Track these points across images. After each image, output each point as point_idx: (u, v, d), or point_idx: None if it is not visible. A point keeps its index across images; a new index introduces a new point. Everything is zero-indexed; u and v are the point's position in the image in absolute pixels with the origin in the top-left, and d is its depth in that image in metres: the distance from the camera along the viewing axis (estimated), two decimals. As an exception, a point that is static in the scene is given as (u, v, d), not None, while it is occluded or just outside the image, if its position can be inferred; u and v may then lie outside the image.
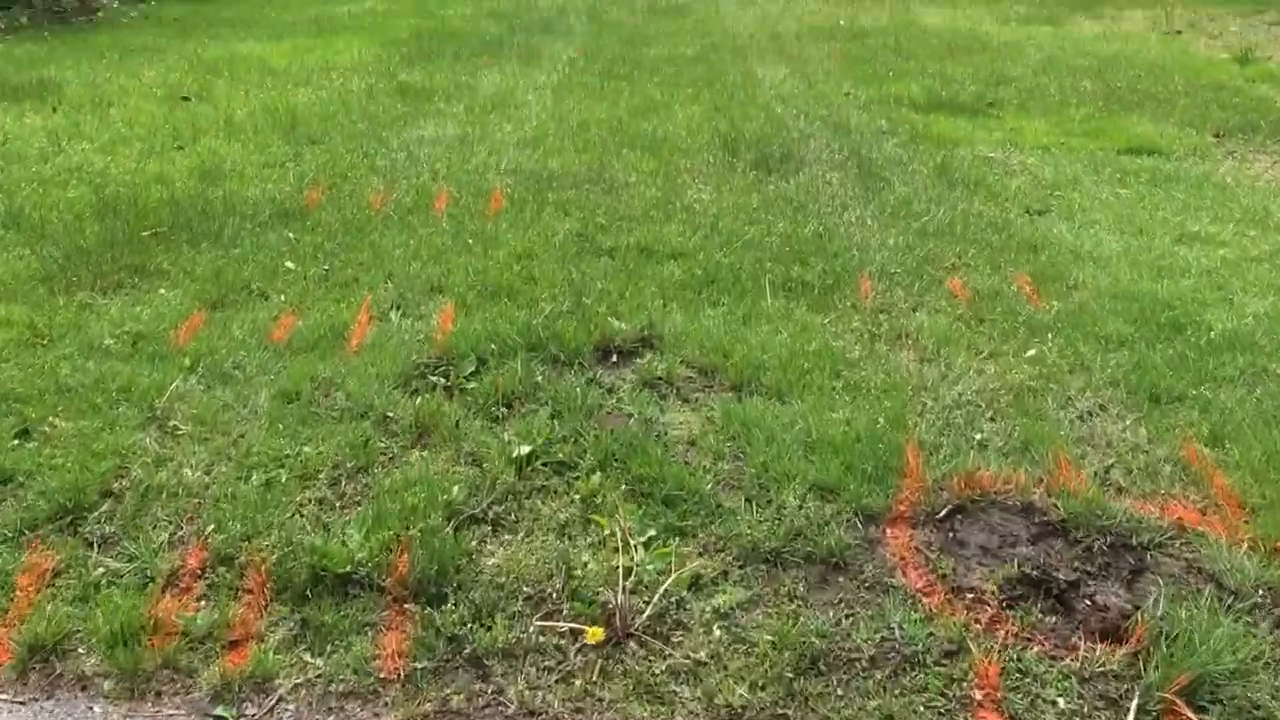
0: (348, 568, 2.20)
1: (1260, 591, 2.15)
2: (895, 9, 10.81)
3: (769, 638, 2.02)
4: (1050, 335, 3.21)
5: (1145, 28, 9.61)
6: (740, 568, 2.24)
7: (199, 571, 2.22)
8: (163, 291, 3.39)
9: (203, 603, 2.14)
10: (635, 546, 2.26)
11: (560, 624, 2.08)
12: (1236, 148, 5.58)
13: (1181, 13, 10.39)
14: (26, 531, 2.30)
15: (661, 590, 2.13)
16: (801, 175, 4.80)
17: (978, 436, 2.66)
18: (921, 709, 1.88)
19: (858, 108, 6.24)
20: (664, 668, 1.98)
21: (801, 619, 2.07)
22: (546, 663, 2.00)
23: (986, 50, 8.22)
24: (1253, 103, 6.47)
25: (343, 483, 2.49)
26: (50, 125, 5.30)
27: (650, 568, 2.22)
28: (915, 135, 5.62)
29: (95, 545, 2.29)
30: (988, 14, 10.38)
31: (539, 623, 2.09)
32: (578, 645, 2.02)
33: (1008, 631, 2.05)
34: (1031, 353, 3.09)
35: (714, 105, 6.18)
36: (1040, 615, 2.11)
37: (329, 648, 2.02)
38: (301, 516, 2.37)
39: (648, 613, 2.09)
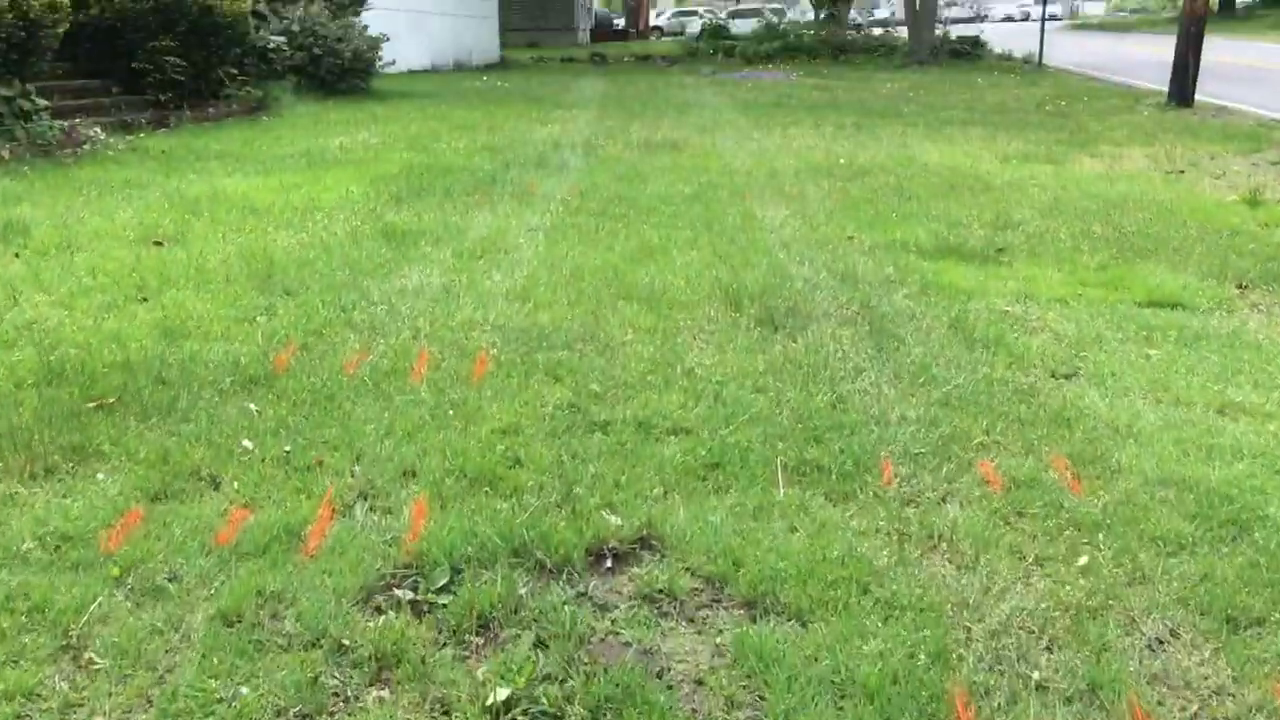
0: None
1: None
2: (893, 145, 10.74)
3: None
4: (1101, 536, 2.84)
5: (1146, 167, 9.50)
6: None
7: None
8: (100, 478, 3.01)
9: None
10: (633, 834, 1.85)
11: None
12: (1262, 300, 5.30)
13: (1182, 151, 10.33)
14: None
15: None
16: (809, 332, 4.49)
17: (1035, 675, 2.27)
18: None
19: (863, 253, 5.99)
20: None
21: None
22: None
23: (989, 190, 8.05)
24: (1271, 249, 6.23)
25: (284, 737, 2.08)
26: (8, 274, 5.00)
27: None
28: (925, 285, 5.35)
29: (-27, 827, 1.87)
30: (986, 151, 10.30)
31: None
32: None
33: None
34: (1083, 561, 2.72)
35: (714, 250, 5.92)
36: None
37: None
38: (230, 786, 1.96)
39: None
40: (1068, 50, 30.60)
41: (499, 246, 5.87)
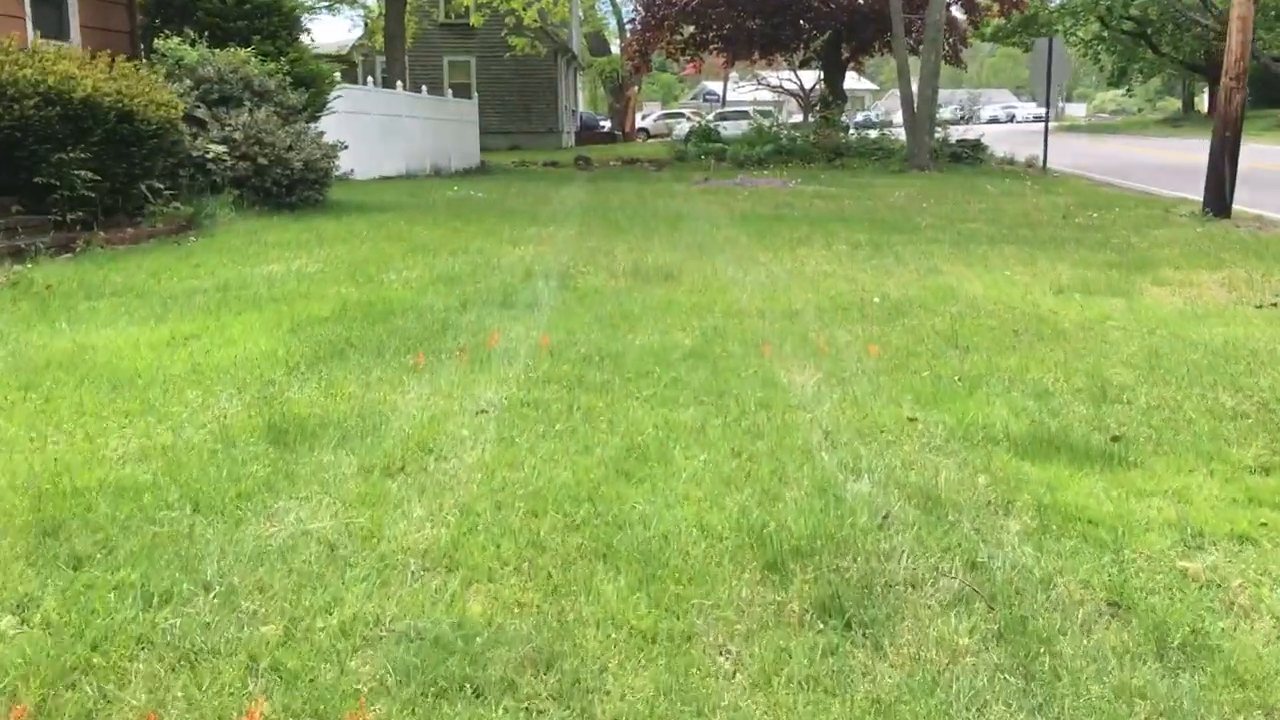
0: None
1: None
2: (921, 269, 9.21)
3: None
4: None
5: (1230, 299, 7.95)
6: None
7: None
8: None
9: None
10: None
11: None
12: None
13: (1259, 277, 8.81)
14: None
15: None
16: (902, 633, 2.79)
17: None
18: None
19: (936, 449, 4.32)
20: None
21: None
22: None
23: (1062, 338, 6.44)
24: None
25: None
26: None
27: None
28: (1042, 512, 3.67)
29: None
30: (1035, 279, 8.75)
31: None
32: None
33: None
34: None
35: (731, 448, 4.25)
36: None
37: None
38: None
39: None
40: (1064, 153, 29.67)
41: (430, 447, 4.18)
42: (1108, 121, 76.00)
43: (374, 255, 9.51)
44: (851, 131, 31.19)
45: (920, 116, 24.46)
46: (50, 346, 5.80)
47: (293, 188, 12.42)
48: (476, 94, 32.83)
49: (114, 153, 9.90)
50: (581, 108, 58.43)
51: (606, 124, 55.73)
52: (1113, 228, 12.78)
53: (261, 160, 11.97)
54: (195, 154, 11.45)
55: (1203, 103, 66.60)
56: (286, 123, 12.66)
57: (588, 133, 50.46)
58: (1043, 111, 26.99)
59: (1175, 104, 75.29)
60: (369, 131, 20.20)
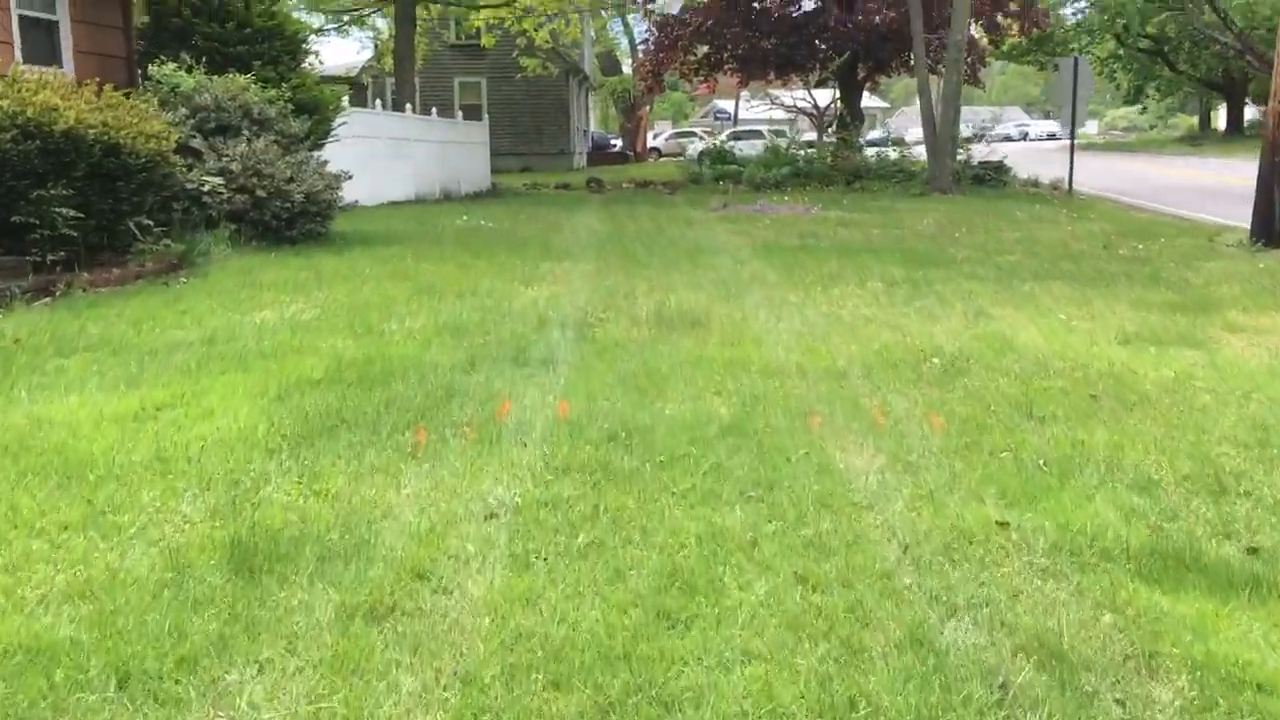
0: None
1: None
2: (968, 312, 8.46)
3: None
4: None
5: (1318, 350, 7.18)
6: None
7: None
8: None
9: None
10: None
11: None
12: None
13: (1346, 324, 8.04)
14: None
15: None
16: None
17: None
18: None
19: (1042, 571, 3.57)
20: None
21: None
22: None
23: (1147, 404, 5.68)
24: None
25: None
26: None
27: None
28: (1196, 673, 2.92)
29: None
30: (1091, 324, 8.00)
31: None
32: None
33: None
34: None
35: (794, 573, 3.51)
36: None
37: None
38: None
39: None
40: (1085, 173, 28.85)
41: (427, 574, 3.44)
42: (1123, 139, 75.16)
43: (376, 298, 8.80)
44: (868, 151, 30.47)
45: (942, 138, 23.74)
46: (1, 422, 5.08)
47: (293, 221, 11.72)
48: (487, 115, 32.25)
49: (99, 188, 9.24)
50: (593, 127, 57.91)
51: (618, 143, 55.15)
52: (1160, 260, 12.02)
53: (260, 193, 11.28)
54: (190, 187, 10.78)
55: (1218, 119, 65.76)
56: (288, 152, 11.98)
57: (599, 153, 49.87)
58: (1056, 129, 26.20)
59: (1189, 121, 74.35)
60: (377, 155, 19.57)
